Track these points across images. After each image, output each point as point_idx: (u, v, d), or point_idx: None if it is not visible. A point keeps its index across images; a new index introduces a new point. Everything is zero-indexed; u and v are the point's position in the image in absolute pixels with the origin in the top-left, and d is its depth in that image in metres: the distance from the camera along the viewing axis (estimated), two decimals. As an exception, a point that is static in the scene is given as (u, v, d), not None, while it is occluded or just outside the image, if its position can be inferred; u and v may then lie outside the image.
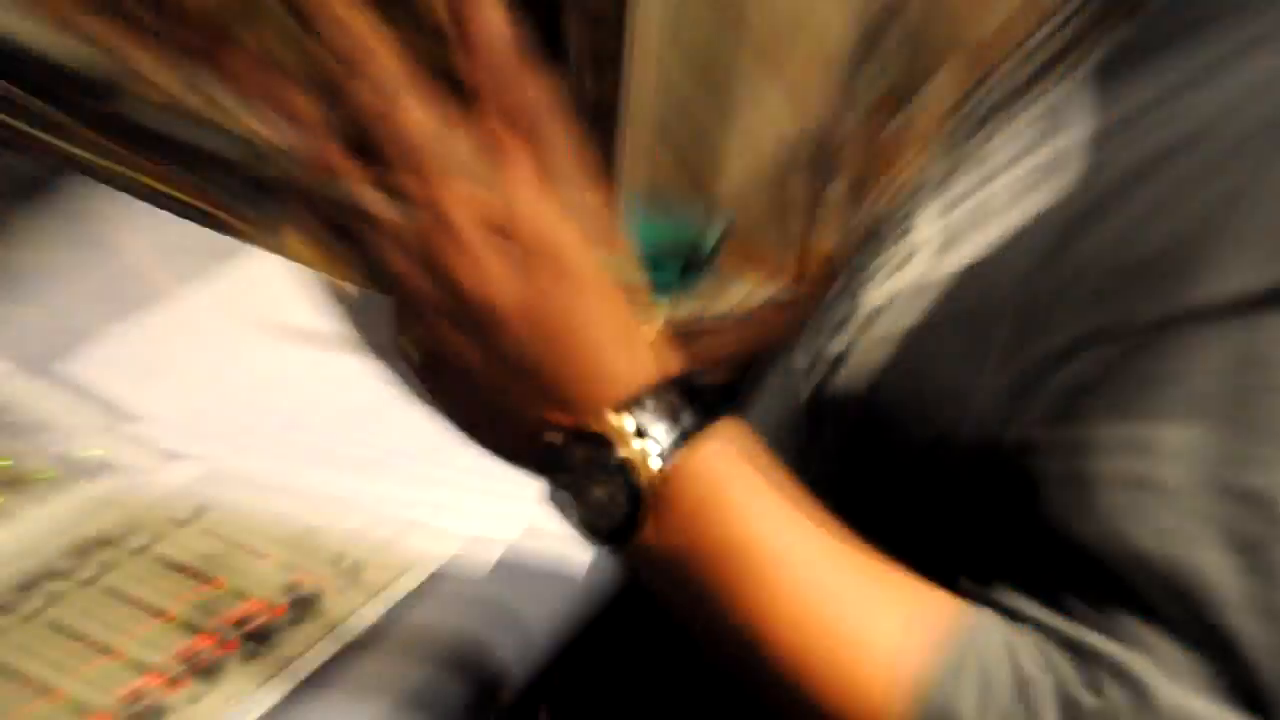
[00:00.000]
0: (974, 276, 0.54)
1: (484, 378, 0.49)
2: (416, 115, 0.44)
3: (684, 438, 0.48)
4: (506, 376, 0.48)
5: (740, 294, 0.98)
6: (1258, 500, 0.42)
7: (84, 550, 0.69)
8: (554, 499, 0.50)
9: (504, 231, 0.45)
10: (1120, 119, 0.53)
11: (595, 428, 0.48)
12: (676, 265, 0.97)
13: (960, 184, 0.62)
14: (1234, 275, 0.44)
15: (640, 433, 0.48)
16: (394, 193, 0.45)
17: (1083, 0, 0.66)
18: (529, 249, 0.45)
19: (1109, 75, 0.57)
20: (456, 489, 0.81)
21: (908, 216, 0.67)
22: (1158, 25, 0.56)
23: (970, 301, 0.55)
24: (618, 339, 0.49)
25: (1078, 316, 0.47)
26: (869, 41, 1.27)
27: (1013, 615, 0.46)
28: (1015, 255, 0.52)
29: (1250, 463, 0.42)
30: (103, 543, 0.70)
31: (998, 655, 0.44)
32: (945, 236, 0.60)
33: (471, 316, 0.46)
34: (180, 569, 0.69)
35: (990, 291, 0.53)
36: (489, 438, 0.52)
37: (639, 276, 0.51)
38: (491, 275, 0.46)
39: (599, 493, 0.49)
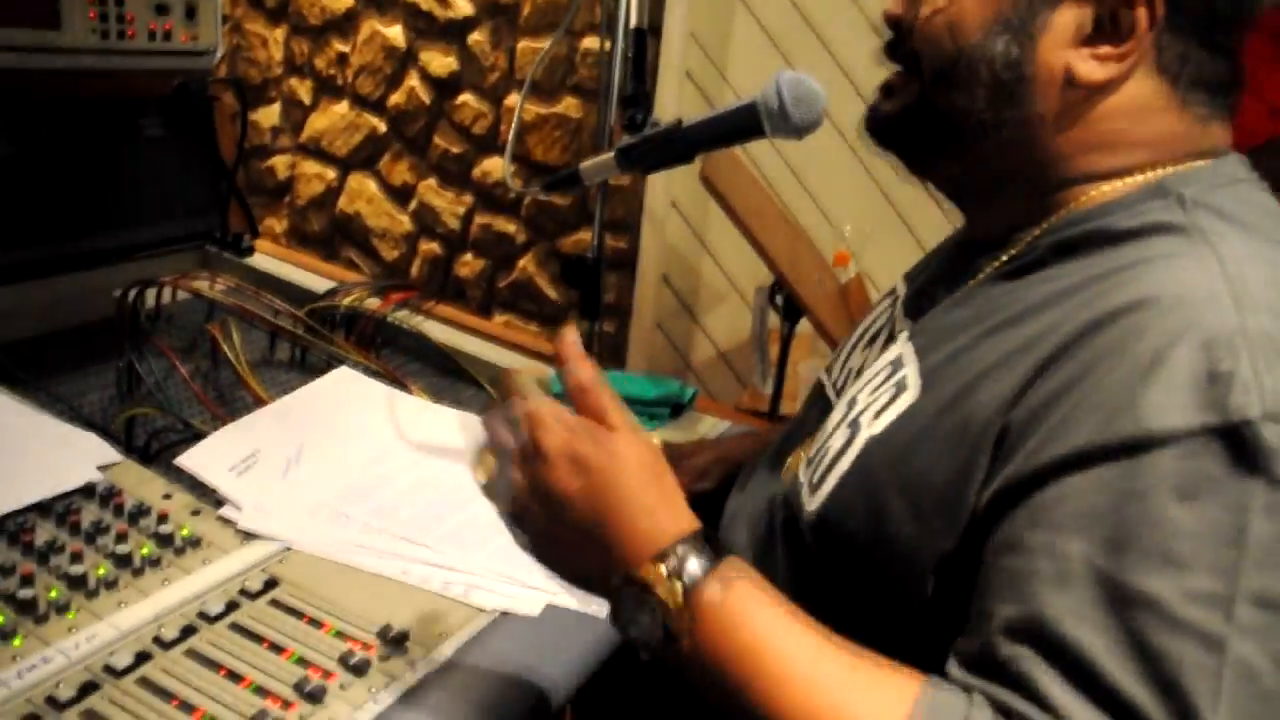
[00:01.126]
0: (880, 443, 0.70)
1: (563, 540, 0.65)
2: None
3: (703, 576, 0.60)
4: (578, 539, 0.64)
5: (708, 427, 1.35)
6: (1133, 595, 0.52)
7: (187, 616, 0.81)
8: (614, 623, 0.63)
9: (575, 457, 0.64)
10: (936, 363, 0.71)
11: (639, 575, 0.61)
12: (666, 410, 1.35)
13: (855, 388, 0.81)
14: (1084, 432, 0.56)
15: (671, 575, 0.60)
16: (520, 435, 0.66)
17: (891, 300, 0.90)
18: (588, 466, 0.63)
19: (924, 341, 0.75)
20: (488, 576, 0.92)
21: (835, 393, 0.89)
22: (941, 315, 0.76)
23: (885, 462, 0.69)
24: (651, 510, 0.63)
25: (988, 466, 0.62)
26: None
27: (965, 687, 0.57)
28: (902, 433, 0.69)
29: (1127, 568, 0.53)
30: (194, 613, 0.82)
31: None
32: (851, 417, 0.77)
33: (550, 503, 0.64)
34: (255, 637, 0.81)
35: (899, 455, 0.68)
36: (570, 578, 0.68)
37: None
38: (563, 479, 0.63)
39: (644, 620, 0.61)
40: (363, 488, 1.05)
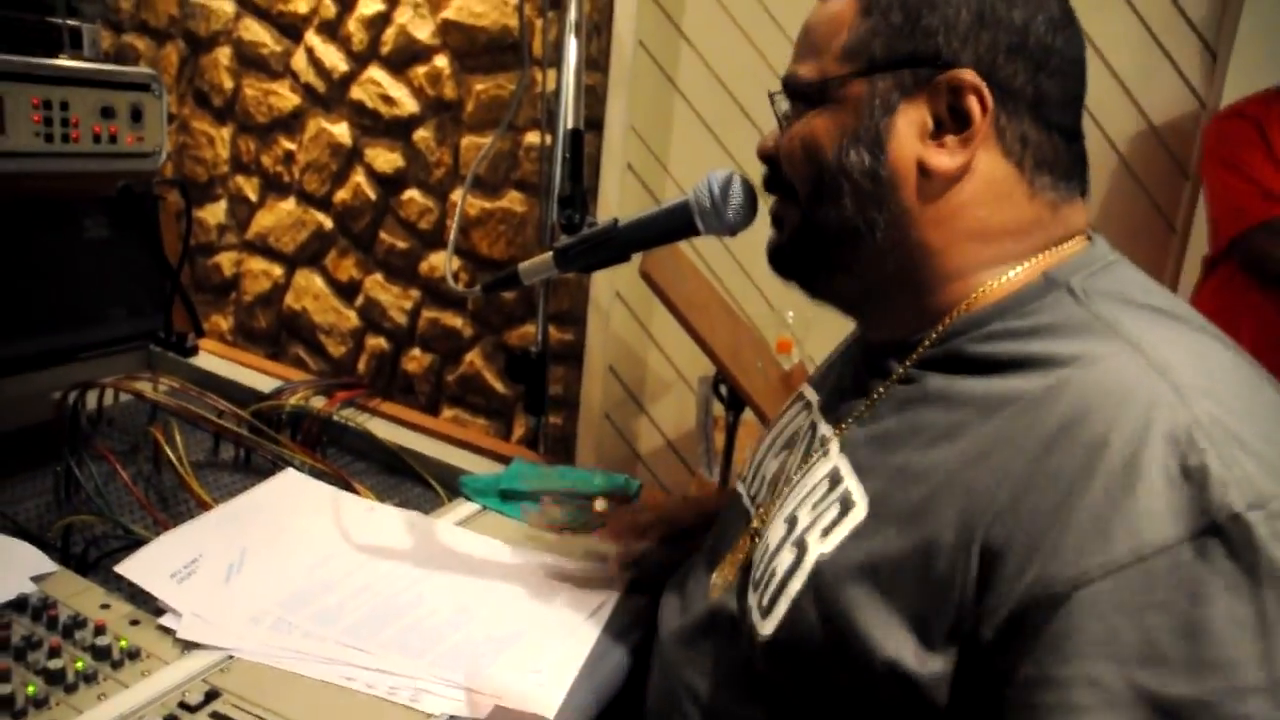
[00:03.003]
0: (833, 563, 0.70)
1: None
2: None
3: None
4: None
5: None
6: (1182, 705, 0.53)
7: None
8: None
9: None
10: (881, 478, 0.72)
11: None
12: (618, 503, 1.35)
13: (790, 502, 0.81)
14: (1086, 556, 0.57)
15: None
16: None
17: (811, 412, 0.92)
18: None
19: (859, 454, 0.76)
20: (434, 680, 0.91)
21: (765, 499, 0.90)
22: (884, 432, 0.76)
23: (841, 582, 0.69)
24: None
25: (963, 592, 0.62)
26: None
27: None
28: (858, 552, 0.69)
29: (1168, 681, 0.54)
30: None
31: None
32: (795, 536, 0.76)
33: None
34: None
35: (858, 574, 0.68)
36: None
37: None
38: None
39: None
40: (306, 593, 1.03)
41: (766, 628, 0.74)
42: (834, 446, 0.81)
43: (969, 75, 0.72)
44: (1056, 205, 0.76)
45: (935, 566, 0.64)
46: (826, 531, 0.73)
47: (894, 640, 0.65)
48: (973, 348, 0.73)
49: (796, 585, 0.73)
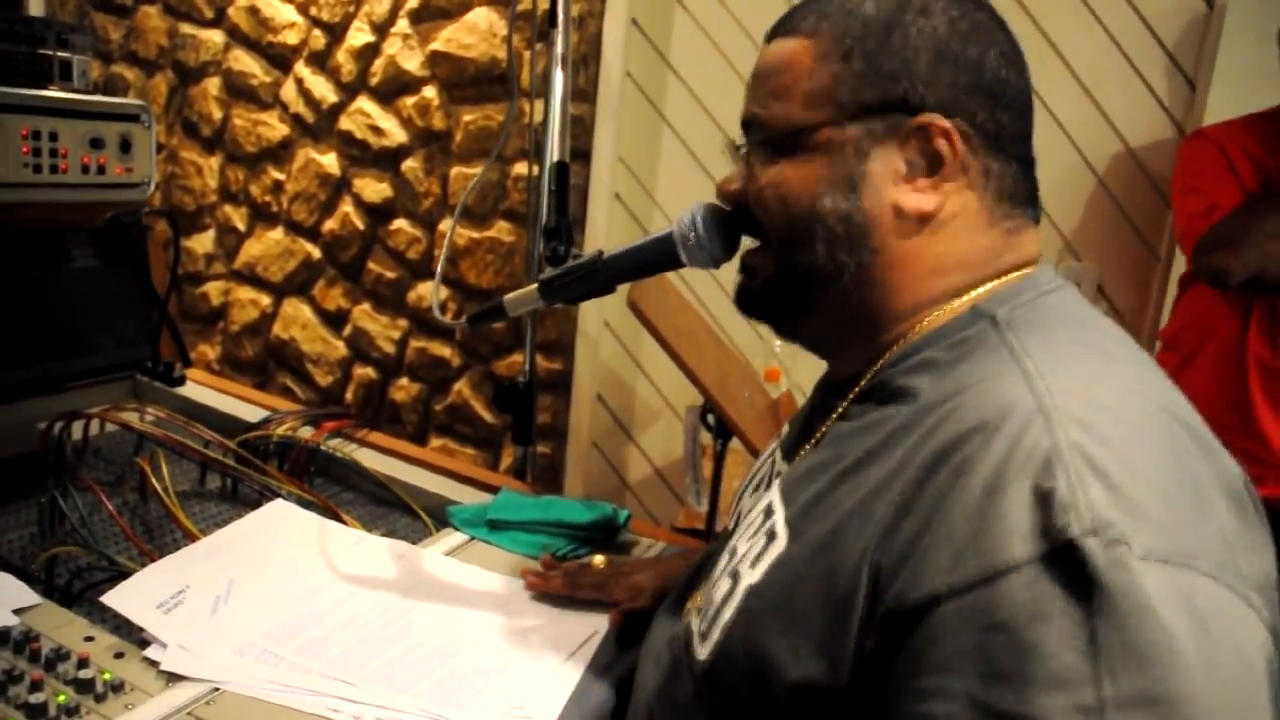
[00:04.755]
0: (756, 593, 0.73)
1: None
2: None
3: None
4: None
5: (643, 550, 1.36)
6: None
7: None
8: None
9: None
10: (800, 510, 0.75)
11: None
12: (605, 534, 1.35)
13: (737, 534, 0.84)
14: (941, 573, 0.59)
15: None
16: None
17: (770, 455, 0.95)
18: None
19: (789, 488, 0.78)
20: (418, 714, 0.91)
21: (724, 543, 0.90)
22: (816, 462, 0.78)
23: (762, 611, 0.72)
24: None
25: (864, 607, 0.64)
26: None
27: None
28: (775, 582, 0.72)
29: (1005, 697, 0.55)
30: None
31: None
32: (732, 567, 0.79)
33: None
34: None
35: (774, 604, 0.71)
36: None
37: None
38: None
39: None
40: (292, 624, 1.03)
41: (703, 653, 0.77)
42: (777, 481, 0.83)
43: (938, 119, 0.74)
44: (1013, 232, 0.78)
45: (838, 589, 0.66)
46: (754, 562, 0.76)
47: (806, 664, 0.67)
48: (898, 379, 0.75)
49: (728, 614, 0.75)
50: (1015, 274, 0.78)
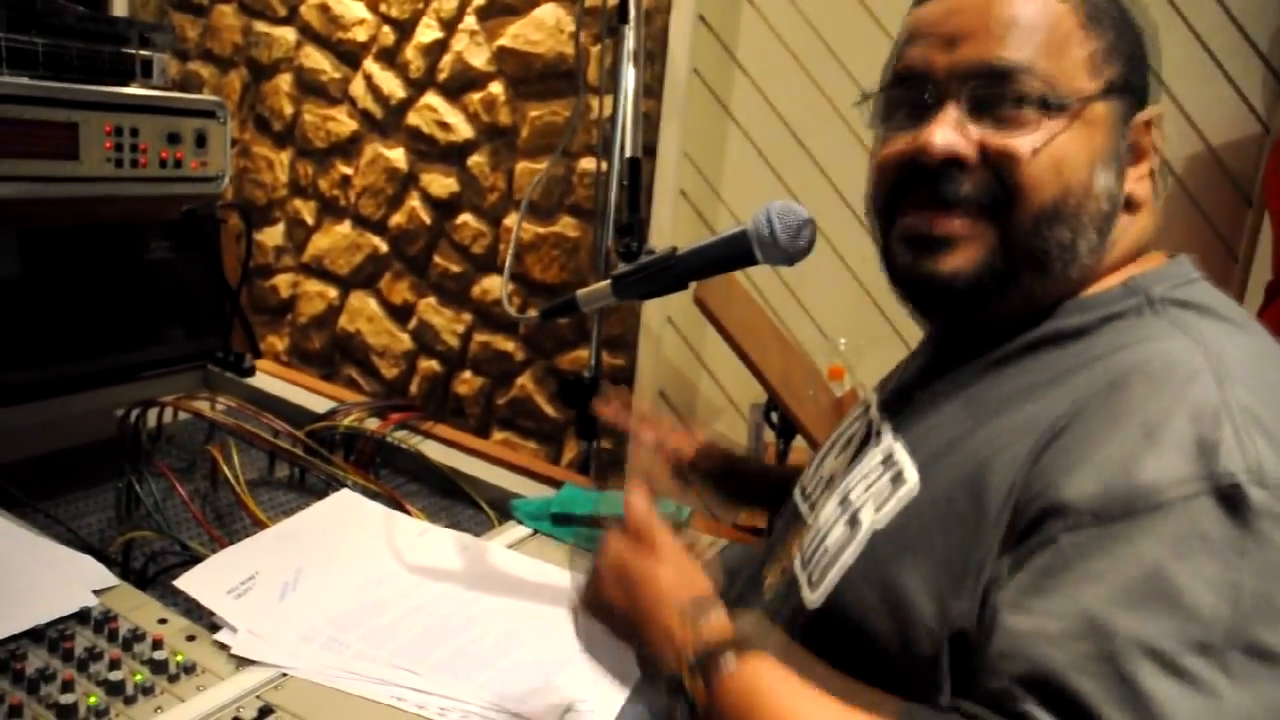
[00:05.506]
0: (887, 535, 0.73)
1: (620, 625, 0.76)
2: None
3: (722, 670, 0.67)
4: (621, 636, 0.76)
5: (704, 546, 1.35)
6: (1132, 644, 0.55)
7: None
8: (655, 695, 0.72)
9: (621, 574, 0.75)
10: (933, 454, 0.75)
11: (672, 671, 0.70)
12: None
13: (843, 484, 0.84)
14: (1085, 498, 0.60)
15: (695, 670, 0.68)
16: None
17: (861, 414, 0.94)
18: (630, 581, 0.75)
19: (915, 436, 0.79)
20: (481, 705, 0.92)
21: (819, 496, 0.90)
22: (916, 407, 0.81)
23: (895, 552, 0.72)
24: (682, 615, 0.71)
25: (994, 542, 0.66)
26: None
27: (949, 709, 0.63)
28: (911, 523, 0.72)
29: (1128, 620, 0.56)
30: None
31: None
32: (848, 514, 0.79)
33: (600, 610, 0.77)
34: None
35: (910, 543, 0.71)
36: (613, 671, 0.81)
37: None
38: (610, 590, 0.76)
39: (680, 706, 0.69)
40: (358, 613, 1.04)
41: (814, 599, 0.77)
42: (888, 434, 0.83)
43: (1154, 112, 0.77)
44: (1158, 215, 0.80)
45: (984, 529, 0.67)
46: (879, 507, 0.76)
47: (942, 599, 0.68)
48: (1035, 340, 0.76)
49: (848, 558, 0.75)
50: (1152, 257, 0.79)
